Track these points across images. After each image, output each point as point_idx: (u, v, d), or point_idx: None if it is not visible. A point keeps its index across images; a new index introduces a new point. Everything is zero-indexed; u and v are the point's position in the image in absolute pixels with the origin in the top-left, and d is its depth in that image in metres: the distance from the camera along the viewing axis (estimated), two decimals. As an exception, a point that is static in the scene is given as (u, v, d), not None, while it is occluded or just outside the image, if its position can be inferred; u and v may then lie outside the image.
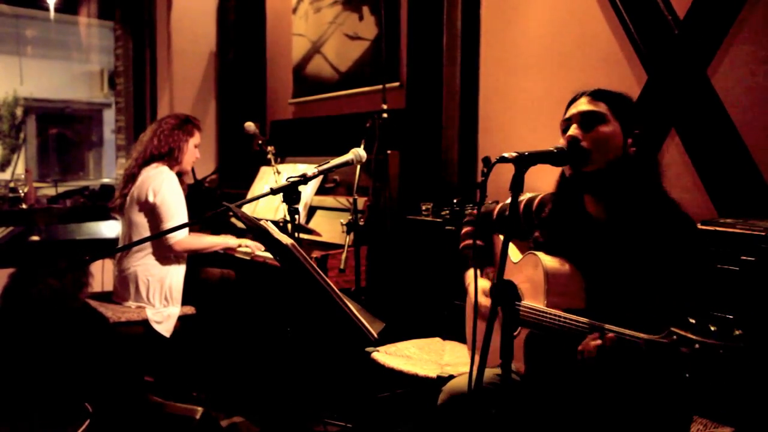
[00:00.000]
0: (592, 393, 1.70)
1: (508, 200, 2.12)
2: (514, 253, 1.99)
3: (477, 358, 1.56)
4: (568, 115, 1.80)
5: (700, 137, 2.42)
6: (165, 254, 3.11)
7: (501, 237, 2.02)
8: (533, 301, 1.77)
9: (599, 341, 1.51)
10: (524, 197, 2.07)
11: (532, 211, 2.01)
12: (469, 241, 2.20)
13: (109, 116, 9.16)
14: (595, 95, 1.79)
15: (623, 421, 1.66)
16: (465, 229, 2.26)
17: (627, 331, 1.46)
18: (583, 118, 1.74)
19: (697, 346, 1.30)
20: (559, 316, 1.64)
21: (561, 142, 1.76)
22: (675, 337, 1.34)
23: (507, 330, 1.58)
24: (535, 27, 3.04)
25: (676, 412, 1.69)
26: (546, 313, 1.68)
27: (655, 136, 2.54)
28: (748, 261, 1.96)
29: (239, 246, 3.25)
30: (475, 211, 2.26)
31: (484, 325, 1.54)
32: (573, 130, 1.74)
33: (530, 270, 1.82)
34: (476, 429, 1.80)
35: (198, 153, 3.32)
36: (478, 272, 2.07)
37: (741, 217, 2.16)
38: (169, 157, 3.17)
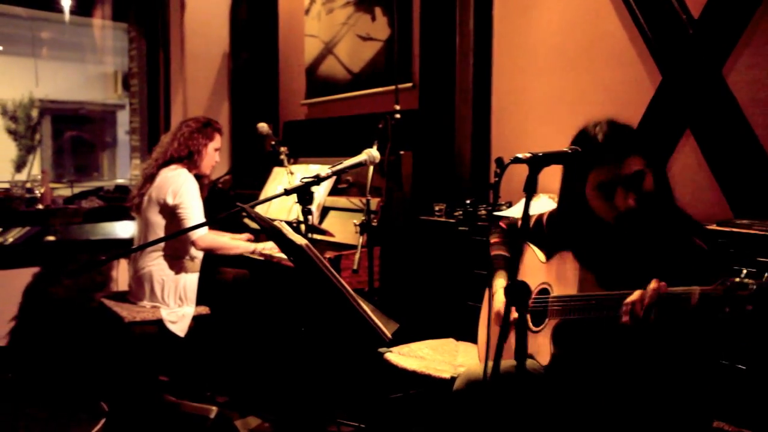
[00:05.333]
0: (620, 377, 1.73)
1: (543, 203, 2.15)
2: (541, 255, 2.02)
3: (491, 353, 1.58)
4: (606, 178, 1.71)
5: (716, 138, 2.40)
6: (186, 253, 3.14)
7: (530, 245, 2.06)
8: (563, 292, 1.79)
9: (646, 293, 1.53)
10: (545, 212, 2.10)
11: (555, 220, 2.03)
12: (499, 250, 2.20)
13: (122, 117, 9.20)
14: (627, 151, 1.70)
15: (647, 409, 1.68)
16: (494, 240, 2.26)
17: (678, 288, 1.50)
18: (629, 181, 1.70)
19: (753, 287, 1.37)
20: (595, 294, 1.67)
21: (595, 204, 1.75)
22: (729, 283, 1.40)
23: (521, 330, 1.58)
24: (548, 27, 3.03)
25: (701, 401, 1.72)
26: (580, 296, 1.71)
27: (670, 137, 2.53)
28: (765, 262, 1.94)
29: (254, 252, 3.25)
30: (505, 221, 2.26)
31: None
32: (627, 199, 1.69)
33: (562, 264, 1.84)
34: (492, 415, 1.82)
35: (218, 157, 3.35)
36: (503, 280, 2.09)
37: (757, 218, 2.15)
38: (188, 159, 3.20)
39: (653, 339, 1.65)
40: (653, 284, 1.53)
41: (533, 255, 2.04)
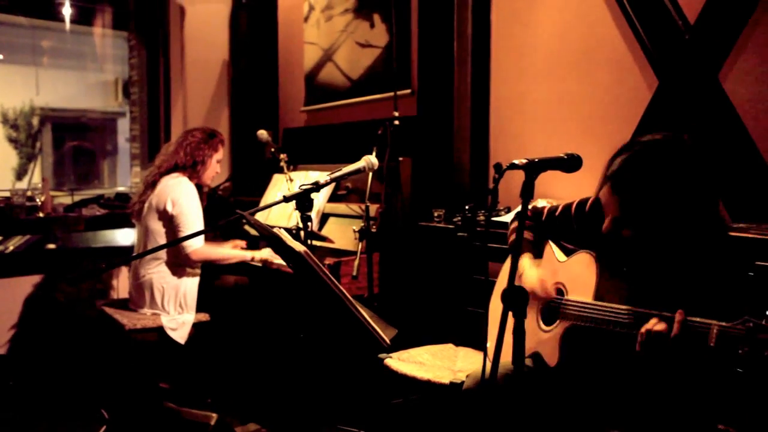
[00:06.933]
0: (627, 384, 1.74)
1: (553, 202, 2.14)
2: (559, 253, 2.02)
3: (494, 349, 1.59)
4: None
5: (712, 142, 2.41)
6: (181, 263, 3.14)
7: (550, 243, 2.06)
8: (579, 296, 1.79)
9: (664, 324, 1.52)
10: (575, 201, 2.07)
11: (585, 213, 2.00)
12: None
13: (122, 125, 9.24)
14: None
15: (652, 411, 1.69)
16: (514, 224, 2.25)
17: (696, 318, 1.49)
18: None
19: None
20: (613, 308, 1.66)
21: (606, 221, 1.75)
22: (751, 324, 1.38)
23: (518, 335, 1.59)
24: (546, 32, 3.05)
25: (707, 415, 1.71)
26: (596, 305, 1.71)
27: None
28: (763, 266, 1.95)
29: (252, 259, 3.26)
30: (530, 210, 2.23)
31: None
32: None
33: (581, 266, 1.84)
34: (500, 414, 1.82)
35: (219, 168, 3.36)
36: (529, 258, 2.08)
37: (754, 222, 2.16)
38: (192, 169, 3.21)
39: (665, 365, 1.65)
40: (679, 316, 1.51)
41: (551, 253, 2.04)
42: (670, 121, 2.53)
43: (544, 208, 2.15)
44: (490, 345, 2.15)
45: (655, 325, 1.54)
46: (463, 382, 2.07)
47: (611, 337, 1.68)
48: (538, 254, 2.11)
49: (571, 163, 1.66)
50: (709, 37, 2.41)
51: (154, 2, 5.16)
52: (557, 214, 2.08)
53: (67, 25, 6.03)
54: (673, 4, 2.50)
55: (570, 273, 1.90)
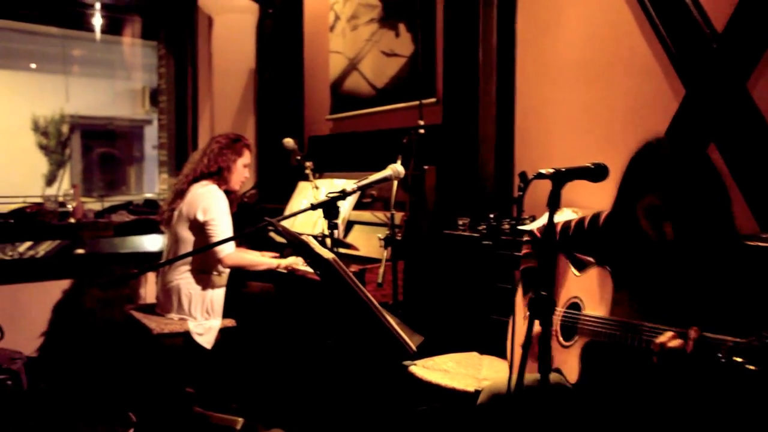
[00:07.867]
0: (647, 401, 1.72)
1: (567, 217, 2.13)
2: (573, 268, 2.00)
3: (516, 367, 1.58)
4: (660, 206, 1.70)
5: (741, 152, 2.39)
6: (213, 268, 3.19)
7: (563, 256, 2.04)
8: (595, 311, 1.78)
9: (680, 340, 1.51)
10: (588, 214, 2.06)
11: (599, 227, 1.99)
12: (529, 263, 2.19)
13: (149, 132, 9.36)
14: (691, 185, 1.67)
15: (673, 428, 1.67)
16: (525, 251, 2.25)
17: (710, 334, 1.46)
18: (681, 218, 1.68)
19: None
20: (629, 323, 1.65)
21: (643, 222, 1.73)
22: (766, 340, 1.35)
23: (544, 344, 1.59)
24: (572, 41, 3.05)
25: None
26: (613, 321, 1.70)
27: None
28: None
29: (278, 267, 3.30)
30: (539, 229, 2.21)
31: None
32: (674, 233, 1.68)
33: (597, 281, 1.83)
34: (516, 428, 1.82)
35: (247, 173, 3.39)
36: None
37: (784, 232, 2.13)
38: (218, 175, 3.25)
39: (682, 379, 1.63)
40: (694, 334, 1.49)
41: (566, 266, 2.03)
42: (698, 131, 2.52)
43: (557, 224, 2.14)
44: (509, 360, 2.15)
45: (670, 340, 1.53)
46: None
47: (629, 353, 1.66)
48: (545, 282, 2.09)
49: (598, 173, 1.66)
50: (737, 45, 2.39)
51: (183, 13, 5.26)
52: (571, 231, 2.07)
53: (97, 34, 6.16)
54: (701, 13, 2.49)
55: (586, 286, 1.89)
